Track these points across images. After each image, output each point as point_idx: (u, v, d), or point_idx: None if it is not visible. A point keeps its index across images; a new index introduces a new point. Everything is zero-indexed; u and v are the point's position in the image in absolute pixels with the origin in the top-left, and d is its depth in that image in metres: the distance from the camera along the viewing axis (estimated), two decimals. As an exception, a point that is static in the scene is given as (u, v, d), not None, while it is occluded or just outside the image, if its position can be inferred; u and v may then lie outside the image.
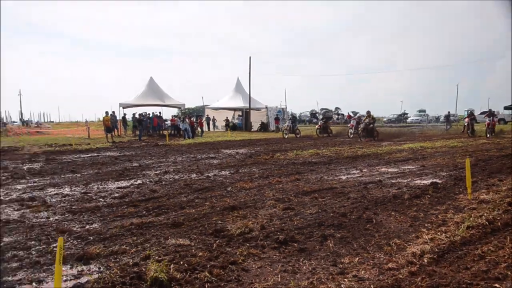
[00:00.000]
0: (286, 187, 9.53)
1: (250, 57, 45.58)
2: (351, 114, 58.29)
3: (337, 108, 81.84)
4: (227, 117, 46.43)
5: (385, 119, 70.07)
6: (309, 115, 73.33)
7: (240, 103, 46.01)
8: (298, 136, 32.59)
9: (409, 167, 12.67)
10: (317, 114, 69.79)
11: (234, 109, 47.96)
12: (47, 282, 4.37)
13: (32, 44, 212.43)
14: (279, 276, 4.36)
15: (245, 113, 45.75)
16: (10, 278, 4.54)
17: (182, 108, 43.77)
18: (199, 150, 20.89)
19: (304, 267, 4.60)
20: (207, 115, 47.85)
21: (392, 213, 6.88)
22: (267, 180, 10.51)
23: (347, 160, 14.79)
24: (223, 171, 12.55)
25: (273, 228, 6.10)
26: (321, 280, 4.21)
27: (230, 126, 43.76)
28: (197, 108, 71.00)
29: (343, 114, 69.55)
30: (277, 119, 44.05)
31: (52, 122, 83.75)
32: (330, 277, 4.29)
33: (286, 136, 31.81)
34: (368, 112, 27.82)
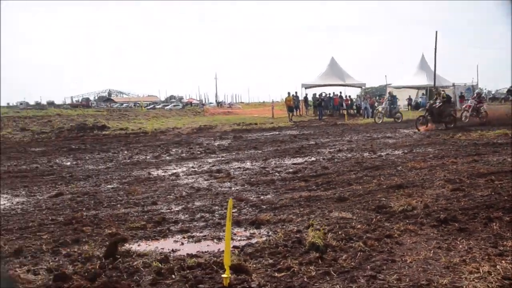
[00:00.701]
0: (461, 168, 9.16)
1: (436, 32, 42.99)
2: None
3: (545, 85, 71.31)
4: (409, 96, 44.71)
5: None
6: (505, 92, 65.53)
7: (424, 81, 43.87)
8: (399, 121, 25.29)
9: None
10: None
11: (418, 88, 45.92)
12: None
13: (230, 31, 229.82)
14: (432, 252, 4.45)
15: (429, 92, 43.47)
16: (197, 234, 5.46)
17: (363, 87, 43.58)
18: (376, 129, 20.81)
19: (460, 246, 4.60)
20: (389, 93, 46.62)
21: None
22: (441, 161, 10.20)
23: (543, 142, 13.37)
24: (396, 151, 12.47)
25: (436, 208, 6.07)
26: (475, 259, 4.19)
27: (412, 105, 42.04)
28: (380, 87, 69.59)
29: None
30: (461, 97, 40.61)
31: (242, 103, 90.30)
32: (486, 257, 4.24)
33: (380, 122, 25.17)
34: (437, 90, 20.66)
